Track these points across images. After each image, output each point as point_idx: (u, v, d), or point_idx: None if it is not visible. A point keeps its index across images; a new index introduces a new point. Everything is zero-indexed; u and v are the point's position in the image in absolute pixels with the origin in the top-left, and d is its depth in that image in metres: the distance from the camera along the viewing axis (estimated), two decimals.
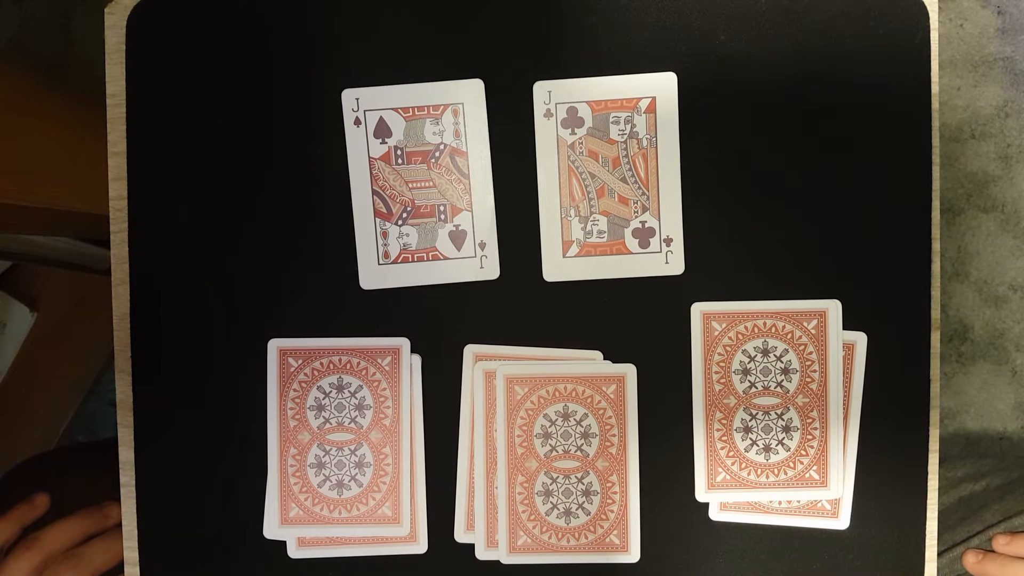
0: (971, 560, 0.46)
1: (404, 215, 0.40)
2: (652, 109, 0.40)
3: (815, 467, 0.41)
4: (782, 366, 0.41)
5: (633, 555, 0.41)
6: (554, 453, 0.41)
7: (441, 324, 0.41)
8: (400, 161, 0.40)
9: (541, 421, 0.41)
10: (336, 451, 0.41)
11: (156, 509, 0.41)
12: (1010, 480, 0.54)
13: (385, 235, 0.40)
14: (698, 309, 0.41)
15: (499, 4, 0.40)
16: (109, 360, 0.86)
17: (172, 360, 0.41)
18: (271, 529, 0.41)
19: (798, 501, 0.41)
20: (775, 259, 0.41)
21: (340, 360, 0.41)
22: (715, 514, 0.41)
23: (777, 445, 0.41)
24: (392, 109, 0.40)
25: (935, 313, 0.41)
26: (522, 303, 0.41)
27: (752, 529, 0.42)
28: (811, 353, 0.41)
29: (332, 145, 0.40)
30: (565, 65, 0.40)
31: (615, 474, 0.41)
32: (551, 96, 0.40)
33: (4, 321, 0.75)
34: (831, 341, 0.41)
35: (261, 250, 0.41)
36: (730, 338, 0.41)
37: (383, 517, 0.41)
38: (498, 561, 0.41)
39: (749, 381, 0.41)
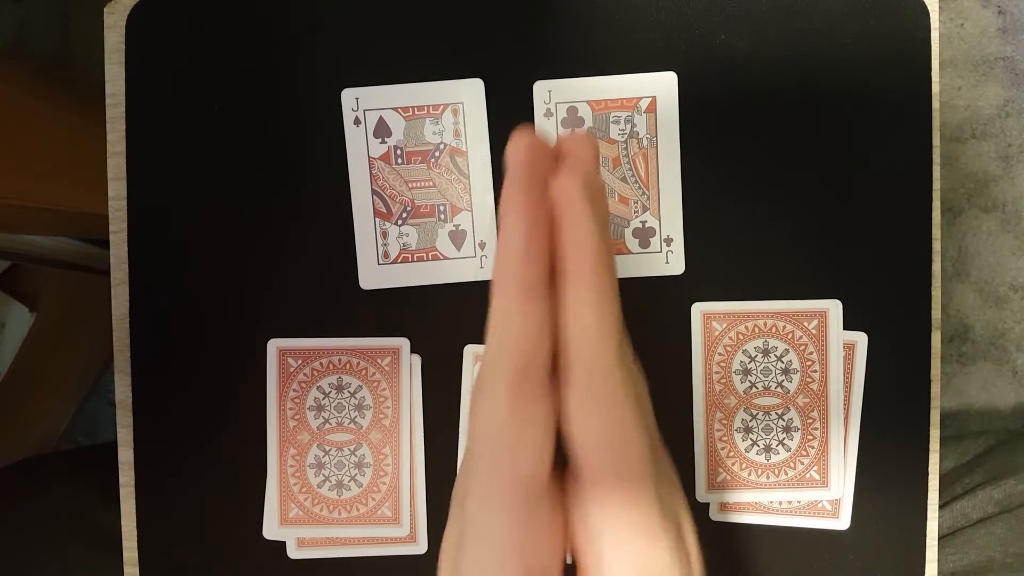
0: None
1: (404, 215, 0.40)
2: (652, 109, 0.40)
3: (816, 467, 0.41)
4: (783, 366, 0.41)
5: None
6: None
7: (441, 324, 0.41)
8: (400, 161, 0.40)
9: None
10: (336, 451, 0.41)
11: (156, 509, 0.41)
12: (988, 448, 0.54)
13: (385, 235, 0.40)
14: (698, 309, 0.41)
15: (499, 4, 0.40)
16: (109, 360, 0.86)
17: (172, 360, 0.41)
18: (271, 529, 0.41)
19: (798, 501, 0.41)
20: (775, 259, 0.41)
21: (340, 360, 0.40)
22: (715, 514, 0.41)
23: (778, 445, 0.41)
24: (392, 109, 0.40)
25: (936, 313, 0.41)
26: None
27: (752, 529, 0.42)
28: (812, 353, 0.41)
29: (331, 145, 0.40)
30: (565, 65, 0.40)
31: None
32: (551, 96, 0.40)
33: (3, 321, 0.75)
34: (832, 341, 0.41)
35: (260, 250, 0.40)
36: (730, 338, 0.41)
37: (383, 517, 0.41)
38: None
39: (749, 381, 0.41)
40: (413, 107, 0.40)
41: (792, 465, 0.41)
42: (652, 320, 0.41)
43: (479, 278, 0.41)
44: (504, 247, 0.21)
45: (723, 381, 0.41)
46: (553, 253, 0.21)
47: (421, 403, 0.41)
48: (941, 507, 0.51)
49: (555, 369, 0.22)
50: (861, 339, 0.41)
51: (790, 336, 0.41)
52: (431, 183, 0.40)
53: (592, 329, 0.21)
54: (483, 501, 0.21)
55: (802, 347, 0.41)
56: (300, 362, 0.40)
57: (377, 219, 0.40)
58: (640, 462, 0.22)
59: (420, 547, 0.41)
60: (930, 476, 0.41)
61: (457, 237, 0.40)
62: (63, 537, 0.46)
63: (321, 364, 0.40)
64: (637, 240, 0.41)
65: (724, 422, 0.41)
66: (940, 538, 0.48)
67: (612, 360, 0.21)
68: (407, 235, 0.40)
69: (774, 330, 0.41)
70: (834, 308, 0.41)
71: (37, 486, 0.49)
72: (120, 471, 0.41)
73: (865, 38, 0.40)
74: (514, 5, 0.40)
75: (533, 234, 0.21)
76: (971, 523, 0.49)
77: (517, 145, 0.22)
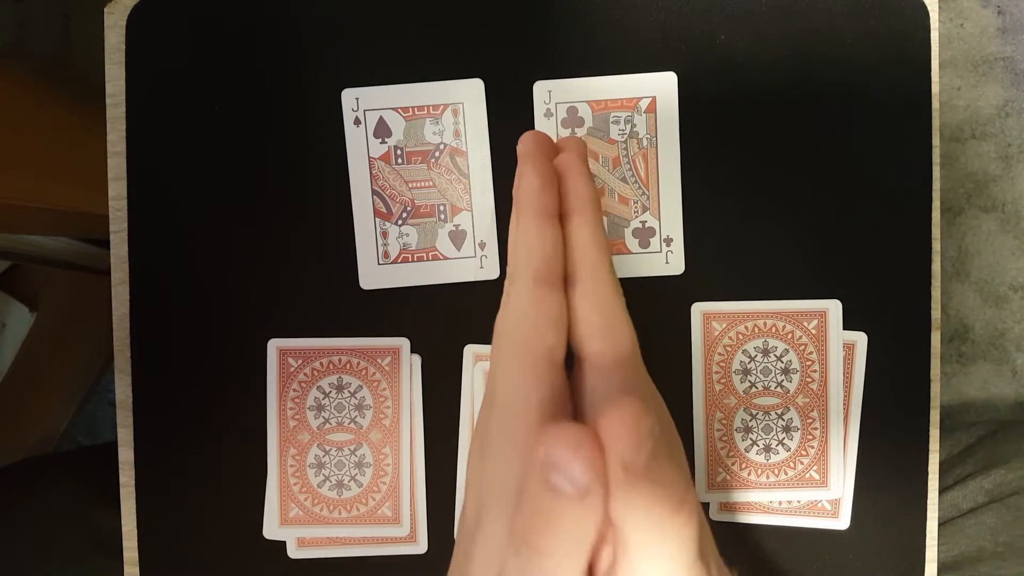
0: None
1: (404, 215, 0.40)
2: (652, 109, 0.40)
3: (815, 467, 0.41)
4: (782, 366, 0.41)
5: None
6: None
7: (441, 324, 0.41)
8: (400, 161, 0.40)
9: None
10: (336, 451, 0.41)
11: (156, 509, 0.41)
12: (979, 439, 0.54)
13: (385, 235, 0.40)
14: (698, 309, 0.41)
15: (499, 4, 0.40)
16: (109, 360, 0.86)
17: (172, 360, 0.41)
18: (271, 529, 0.41)
19: (798, 501, 0.41)
20: (775, 259, 0.41)
21: (340, 360, 0.41)
22: (715, 514, 0.41)
23: (777, 445, 0.41)
24: (392, 109, 0.40)
25: (935, 313, 0.41)
26: None
27: (752, 529, 0.42)
28: (811, 353, 0.41)
29: (332, 145, 0.40)
30: (565, 65, 0.40)
31: None
32: (551, 96, 0.40)
33: (4, 321, 0.75)
34: (831, 341, 0.41)
35: (261, 250, 0.41)
36: (730, 338, 0.41)
37: (383, 517, 0.41)
38: None
39: (749, 381, 0.41)
40: (413, 107, 0.40)
41: (792, 465, 0.41)
42: (652, 320, 0.41)
43: (479, 278, 0.41)
44: (524, 188, 0.27)
45: (723, 381, 0.41)
46: (561, 202, 0.27)
47: (421, 403, 0.41)
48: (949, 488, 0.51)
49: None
50: (861, 339, 0.41)
51: (790, 336, 0.41)
52: (431, 183, 0.40)
53: (590, 244, 0.27)
54: (513, 371, 0.25)
55: (802, 347, 0.41)
56: (300, 362, 0.40)
57: (377, 219, 0.40)
58: (630, 348, 0.26)
59: (420, 547, 0.41)
60: (929, 476, 0.41)
61: (457, 237, 0.40)
62: (61, 539, 0.46)
63: (321, 364, 0.40)
64: (637, 240, 0.41)
65: (724, 422, 0.41)
66: None
67: (606, 268, 0.27)
68: (407, 235, 0.40)
69: (774, 330, 0.41)
70: (834, 308, 0.41)
71: (34, 487, 0.49)
72: (120, 471, 0.41)
73: (865, 38, 0.40)
74: (514, 5, 0.40)
75: (546, 177, 0.27)
76: (962, 513, 0.50)
77: (527, 136, 0.29)
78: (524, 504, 0.23)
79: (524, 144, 0.28)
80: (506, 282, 0.27)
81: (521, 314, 0.26)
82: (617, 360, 0.26)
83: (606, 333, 0.26)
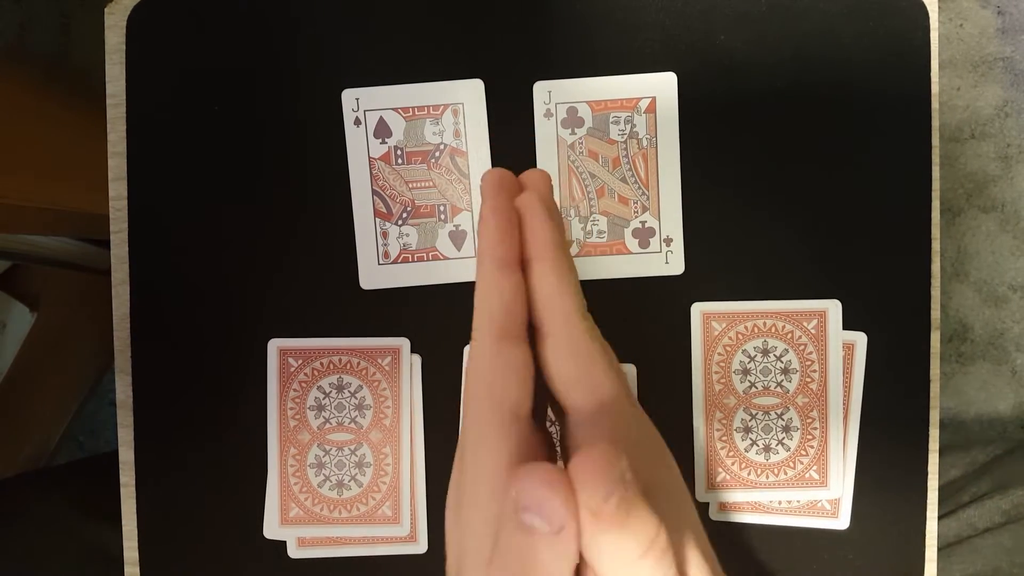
0: None
1: (404, 215, 0.40)
2: (652, 109, 0.40)
3: (815, 467, 0.41)
4: (782, 366, 0.41)
5: None
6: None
7: (441, 324, 0.41)
8: (400, 161, 0.40)
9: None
10: (336, 451, 0.41)
11: (156, 509, 0.41)
12: (995, 457, 0.54)
13: (385, 235, 0.40)
14: (698, 309, 0.41)
15: (499, 4, 0.40)
16: (109, 360, 0.86)
17: (172, 360, 0.41)
18: (271, 529, 0.41)
19: (798, 501, 0.41)
20: (775, 259, 0.41)
21: (340, 360, 0.41)
22: (715, 514, 0.41)
23: (777, 445, 0.41)
24: (392, 109, 0.40)
25: (935, 313, 0.41)
26: None
27: (752, 529, 0.42)
28: (811, 353, 0.41)
29: (332, 145, 0.40)
30: (565, 65, 0.40)
31: None
32: (551, 96, 0.40)
33: (4, 321, 0.75)
34: (831, 341, 0.41)
35: (261, 250, 0.41)
36: (730, 338, 0.41)
37: (383, 517, 0.41)
38: None
39: (749, 381, 0.41)
40: (413, 107, 0.40)
41: (791, 465, 0.41)
42: (652, 320, 0.41)
43: None
44: (483, 236, 0.26)
45: (723, 381, 0.41)
46: (523, 247, 0.26)
47: (421, 403, 0.41)
48: (948, 515, 0.51)
49: (533, 333, 0.26)
50: (860, 339, 0.41)
51: (789, 336, 0.41)
52: (431, 183, 0.40)
53: (556, 291, 0.26)
54: (480, 427, 0.25)
55: (801, 347, 0.41)
56: (301, 362, 0.40)
57: (377, 219, 0.40)
58: (611, 396, 0.25)
59: (420, 547, 0.41)
60: (929, 476, 0.41)
61: (457, 237, 0.40)
62: (53, 553, 0.47)
63: (322, 364, 0.41)
64: (637, 240, 0.41)
65: (724, 422, 0.41)
66: (947, 546, 0.49)
67: (576, 315, 0.26)
68: (407, 235, 0.40)
69: (773, 330, 0.41)
70: (833, 308, 0.41)
71: (26, 502, 0.49)
72: (120, 471, 0.41)
73: (864, 39, 0.40)
74: (514, 5, 0.40)
75: (504, 225, 0.26)
76: (978, 532, 0.50)
77: (489, 174, 0.28)
78: (499, 546, 0.22)
79: (485, 184, 0.27)
80: (472, 333, 0.27)
81: (484, 371, 0.25)
82: (599, 410, 0.25)
83: (582, 386, 0.25)
